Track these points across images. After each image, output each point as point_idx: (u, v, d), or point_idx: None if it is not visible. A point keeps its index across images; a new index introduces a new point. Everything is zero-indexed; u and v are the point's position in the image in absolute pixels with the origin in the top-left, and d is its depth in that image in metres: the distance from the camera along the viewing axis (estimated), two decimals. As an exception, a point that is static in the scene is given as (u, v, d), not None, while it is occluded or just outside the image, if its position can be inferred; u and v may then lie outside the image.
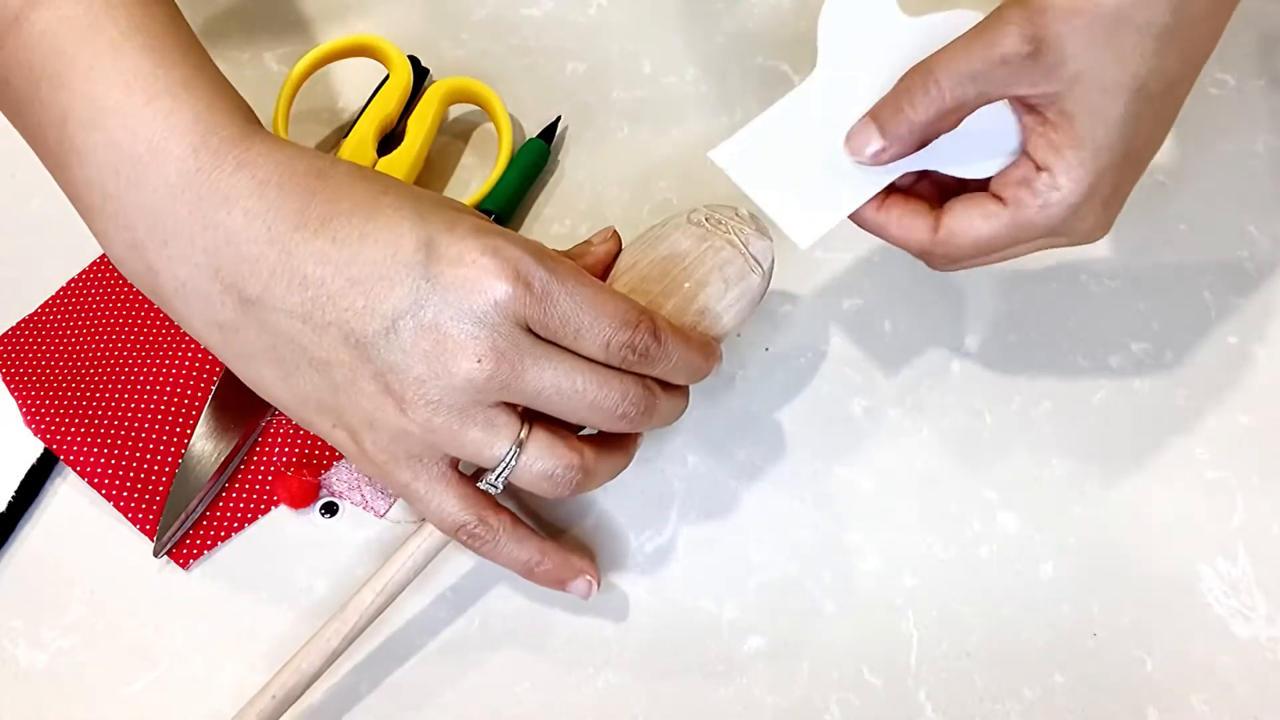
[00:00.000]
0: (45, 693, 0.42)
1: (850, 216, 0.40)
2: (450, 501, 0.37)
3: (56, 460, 0.45)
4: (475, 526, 0.38)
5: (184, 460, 0.44)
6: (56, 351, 0.47)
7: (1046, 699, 0.42)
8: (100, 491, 0.44)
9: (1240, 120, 0.54)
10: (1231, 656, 0.42)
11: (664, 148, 0.54)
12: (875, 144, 0.39)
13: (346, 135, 0.51)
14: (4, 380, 0.47)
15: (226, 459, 0.44)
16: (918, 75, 0.37)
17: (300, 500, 0.44)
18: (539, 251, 0.37)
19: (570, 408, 0.37)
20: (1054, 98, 0.36)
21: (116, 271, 0.49)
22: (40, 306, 0.49)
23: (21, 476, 0.45)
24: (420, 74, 0.54)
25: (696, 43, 0.57)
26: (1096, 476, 0.46)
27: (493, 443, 0.36)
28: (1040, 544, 0.44)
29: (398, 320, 0.35)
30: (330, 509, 0.45)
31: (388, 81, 0.52)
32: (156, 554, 0.43)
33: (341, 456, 0.46)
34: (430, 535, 0.40)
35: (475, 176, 0.53)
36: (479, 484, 0.38)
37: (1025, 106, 0.38)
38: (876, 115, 0.39)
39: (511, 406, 0.37)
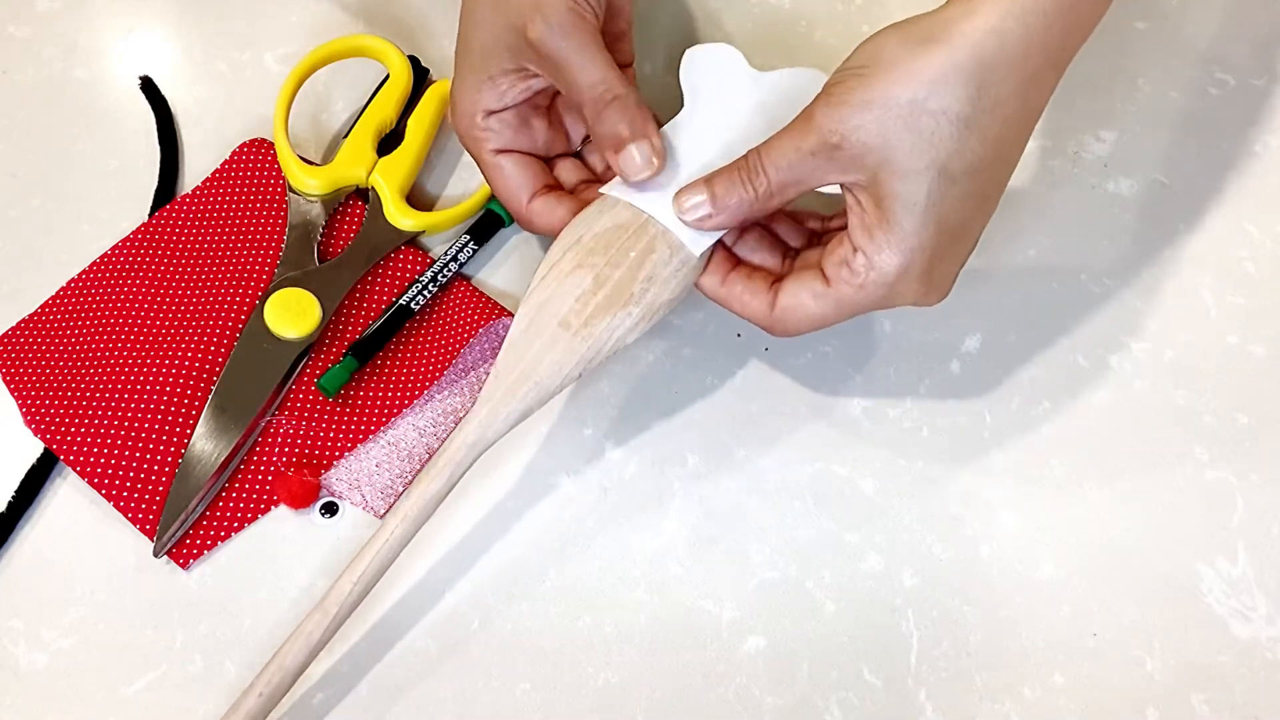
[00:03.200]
0: (45, 693, 0.42)
1: (696, 287, 0.43)
2: None
3: (56, 460, 0.45)
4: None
5: (184, 460, 0.44)
6: (56, 351, 0.47)
7: (1046, 699, 0.42)
8: (100, 491, 0.44)
9: (1240, 120, 0.54)
10: (1231, 656, 0.42)
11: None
12: (705, 209, 0.41)
13: (347, 135, 0.51)
14: (4, 380, 0.47)
15: (226, 459, 0.44)
16: (751, 161, 0.41)
17: (300, 500, 0.44)
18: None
19: None
20: (864, 184, 0.39)
21: (116, 271, 0.49)
22: (40, 306, 0.49)
23: (22, 477, 0.45)
24: (420, 74, 0.54)
25: (697, 43, 0.57)
26: (1096, 476, 0.46)
27: None
28: (1040, 544, 0.44)
29: None
30: (330, 509, 0.45)
31: (388, 81, 0.52)
32: (157, 554, 0.43)
33: (341, 456, 0.46)
34: (404, 519, 0.40)
35: (476, 175, 0.53)
36: None
37: (846, 189, 0.40)
38: (712, 184, 0.41)
39: None
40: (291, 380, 0.47)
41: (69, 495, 0.45)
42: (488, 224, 0.50)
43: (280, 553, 0.44)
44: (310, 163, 0.51)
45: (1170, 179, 0.52)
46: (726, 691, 0.42)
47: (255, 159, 0.52)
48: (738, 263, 0.44)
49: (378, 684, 0.42)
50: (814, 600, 0.43)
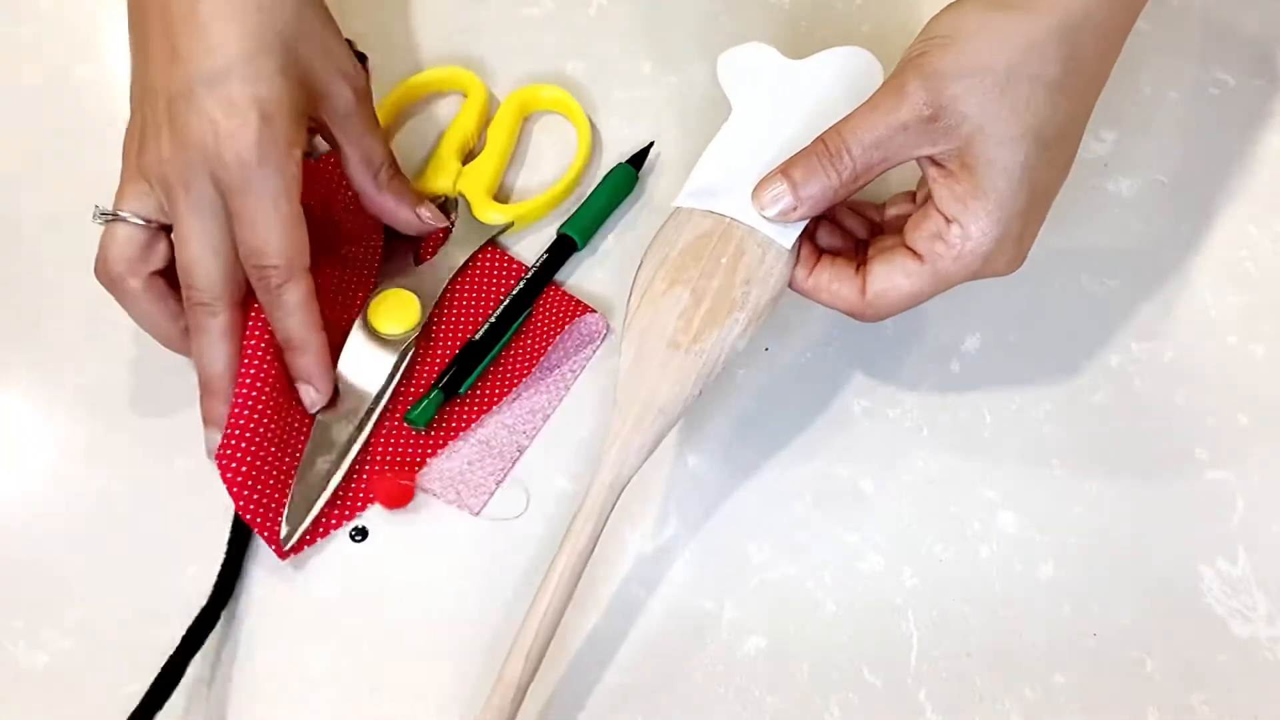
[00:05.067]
0: (45, 693, 0.42)
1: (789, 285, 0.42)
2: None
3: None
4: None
5: (305, 458, 0.44)
6: None
7: (1046, 699, 0.42)
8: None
9: (1240, 120, 0.54)
10: (1231, 656, 0.42)
11: (663, 147, 0.54)
12: (786, 200, 0.41)
13: (430, 154, 0.53)
14: None
15: (347, 455, 0.45)
16: (830, 143, 0.40)
17: (395, 501, 0.44)
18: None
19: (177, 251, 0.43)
20: (955, 153, 0.38)
21: None
22: None
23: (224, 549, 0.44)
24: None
25: (696, 43, 0.57)
26: (1096, 476, 0.46)
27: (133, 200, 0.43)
28: (1040, 544, 0.44)
29: (174, 96, 0.42)
30: (361, 533, 0.44)
31: (467, 102, 0.54)
32: (284, 553, 0.43)
33: (435, 454, 0.46)
34: (560, 578, 0.39)
35: (550, 168, 0.54)
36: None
37: (930, 161, 0.39)
38: (790, 174, 0.40)
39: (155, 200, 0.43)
40: (399, 376, 0.47)
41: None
42: (561, 249, 0.50)
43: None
44: None
45: (1170, 179, 0.52)
46: (726, 691, 0.42)
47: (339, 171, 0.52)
48: (821, 254, 0.43)
49: (377, 683, 0.42)
50: (814, 600, 0.43)
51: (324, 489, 0.44)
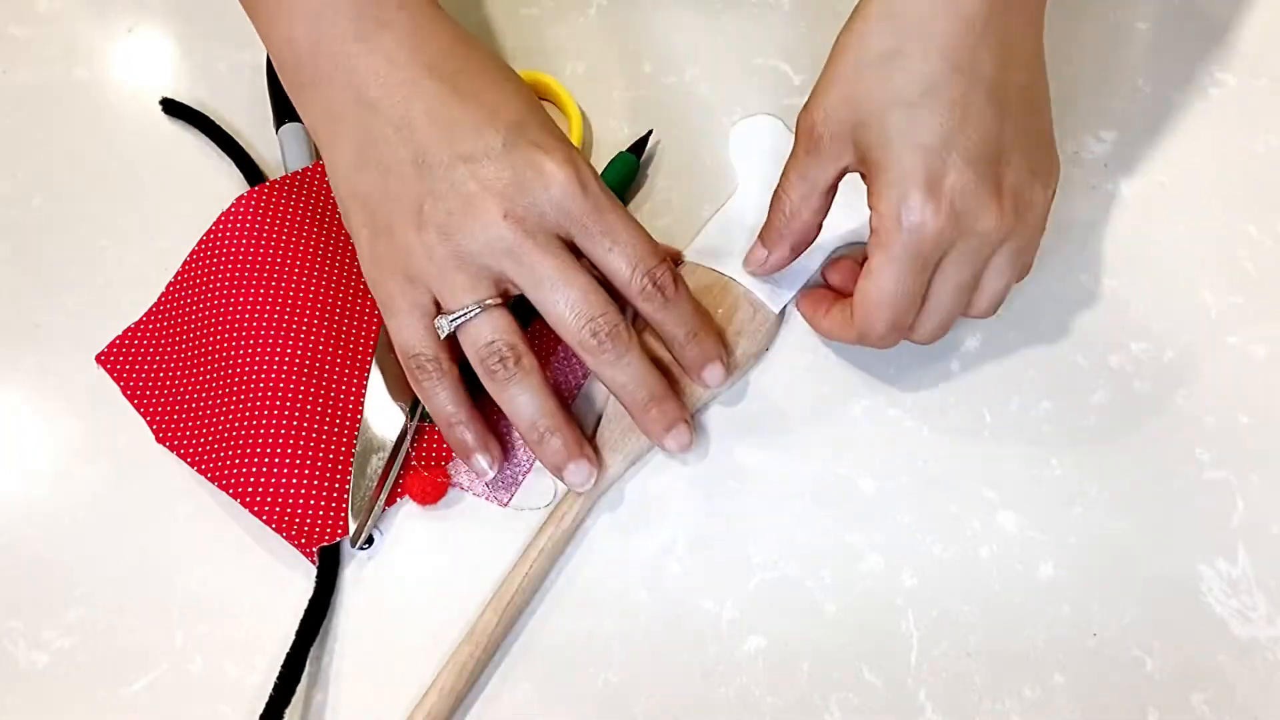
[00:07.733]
0: (45, 693, 0.42)
1: (816, 330, 0.47)
2: (418, 329, 0.42)
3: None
4: (426, 360, 0.42)
5: (357, 457, 0.44)
6: (174, 363, 0.47)
7: (1046, 699, 0.42)
8: (265, 518, 0.44)
9: (1240, 120, 0.54)
10: (1231, 656, 0.42)
11: (663, 148, 0.54)
12: (760, 254, 0.46)
13: None
14: (134, 404, 0.46)
15: (396, 451, 0.45)
16: (775, 189, 0.44)
17: (429, 497, 0.44)
18: (600, 179, 0.42)
19: (552, 299, 0.41)
20: (862, 158, 0.41)
21: (228, 270, 0.48)
22: (147, 313, 0.48)
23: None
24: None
25: (696, 43, 0.57)
26: (1096, 476, 0.46)
27: (467, 292, 0.41)
28: (1040, 544, 0.44)
29: (462, 161, 0.41)
30: (370, 541, 0.44)
31: None
32: (354, 543, 0.44)
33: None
34: (539, 555, 0.42)
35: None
36: (434, 319, 0.42)
37: (859, 173, 0.42)
38: (760, 234, 0.46)
39: (498, 284, 0.41)
40: None
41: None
42: None
43: (280, 553, 0.44)
44: None
45: (1170, 179, 0.52)
46: (727, 691, 0.42)
47: None
48: (835, 295, 0.47)
49: (378, 683, 0.42)
50: (814, 600, 0.43)
51: (383, 485, 0.44)
